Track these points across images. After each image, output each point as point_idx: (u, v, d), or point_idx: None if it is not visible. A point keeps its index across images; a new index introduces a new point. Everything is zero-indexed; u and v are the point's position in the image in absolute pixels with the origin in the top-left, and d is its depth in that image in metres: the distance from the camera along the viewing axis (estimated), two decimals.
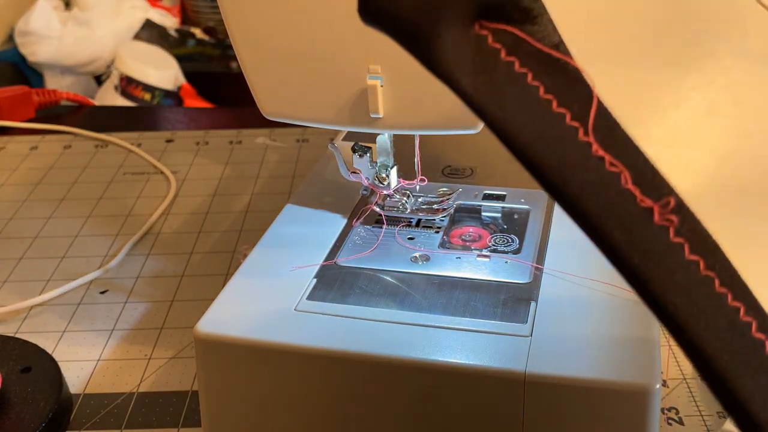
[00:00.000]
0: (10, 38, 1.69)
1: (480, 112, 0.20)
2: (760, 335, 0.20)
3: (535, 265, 0.43)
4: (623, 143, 0.20)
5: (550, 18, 0.21)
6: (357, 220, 0.48)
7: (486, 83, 0.20)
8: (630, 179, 0.20)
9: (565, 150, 0.20)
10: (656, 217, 0.20)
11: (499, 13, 0.20)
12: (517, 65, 0.20)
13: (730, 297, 0.20)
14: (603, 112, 0.20)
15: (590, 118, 0.20)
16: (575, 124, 0.20)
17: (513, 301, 0.40)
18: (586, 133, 0.20)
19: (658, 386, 0.34)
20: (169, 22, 1.79)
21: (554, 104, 0.20)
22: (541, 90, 0.20)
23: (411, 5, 0.20)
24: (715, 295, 0.20)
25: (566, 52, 0.20)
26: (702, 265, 0.20)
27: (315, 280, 0.43)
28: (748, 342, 0.20)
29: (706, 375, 0.19)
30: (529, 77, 0.20)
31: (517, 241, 0.46)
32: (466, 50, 0.20)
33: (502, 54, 0.20)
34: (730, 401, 0.19)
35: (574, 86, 0.20)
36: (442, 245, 0.46)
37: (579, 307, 0.39)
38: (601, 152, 0.20)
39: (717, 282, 0.20)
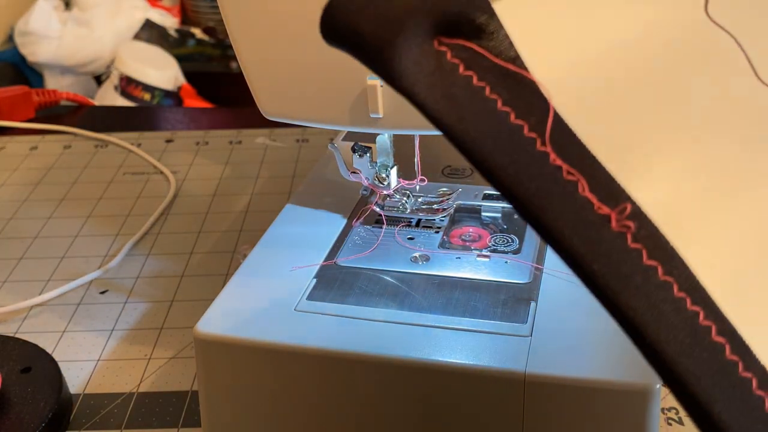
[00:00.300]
0: (10, 38, 1.70)
1: (440, 124, 0.21)
2: (719, 339, 0.20)
3: (535, 265, 0.43)
4: (579, 152, 0.21)
5: (506, 33, 0.21)
6: (357, 220, 0.48)
7: (445, 97, 0.21)
8: (587, 187, 0.20)
9: (524, 160, 0.20)
10: (614, 223, 0.20)
11: (456, 30, 0.21)
12: (475, 79, 0.21)
13: (689, 302, 0.20)
14: (559, 123, 0.21)
15: (547, 129, 0.20)
16: (533, 135, 0.20)
17: (513, 301, 0.40)
18: (543, 143, 0.20)
19: (658, 386, 0.34)
20: (169, 22, 1.79)
21: (512, 116, 0.21)
22: (499, 102, 0.21)
23: (370, 24, 0.20)
24: (674, 300, 0.20)
25: (523, 66, 0.21)
26: (660, 270, 0.20)
27: (315, 280, 0.43)
28: (708, 346, 0.20)
29: (667, 379, 0.20)
30: (487, 90, 0.21)
31: (517, 241, 0.46)
32: (425, 66, 0.21)
33: (461, 69, 0.21)
34: (691, 405, 0.19)
35: (531, 98, 0.21)
36: (442, 245, 0.46)
37: (579, 307, 0.39)
38: (558, 161, 0.20)
39: (676, 287, 0.20)
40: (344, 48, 0.21)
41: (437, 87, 0.21)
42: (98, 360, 0.50)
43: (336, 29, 0.21)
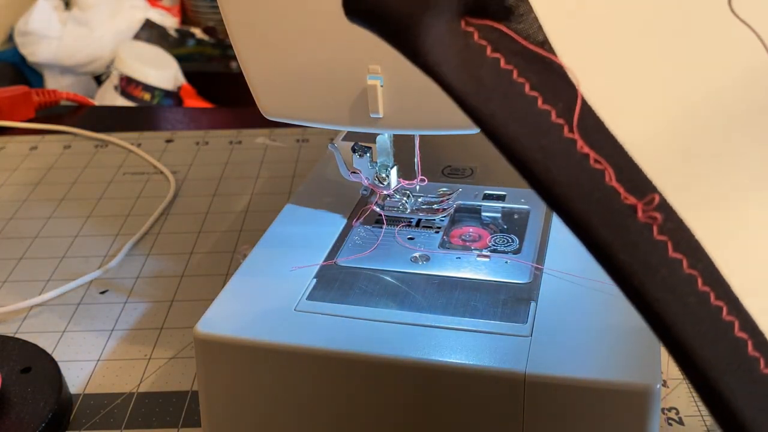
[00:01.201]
0: (10, 38, 1.70)
1: (466, 106, 0.20)
2: (742, 335, 0.20)
3: (535, 265, 0.43)
4: (607, 141, 0.20)
5: (536, 17, 0.21)
6: (357, 220, 0.48)
7: (472, 78, 0.20)
8: (614, 176, 0.20)
9: (550, 146, 0.20)
10: (640, 214, 0.20)
11: (484, 11, 0.21)
12: (503, 62, 0.20)
13: (713, 296, 0.20)
14: (587, 111, 0.20)
15: (575, 116, 0.20)
16: (560, 121, 0.20)
17: (513, 301, 0.40)
18: (570, 130, 0.20)
19: (658, 386, 0.34)
20: (169, 22, 1.79)
21: (540, 101, 0.20)
22: (527, 87, 0.20)
23: (396, 0, 0.20)
24: (698, 294, 0.20)
25: (551, 51, 0.21)
26: (685, 263, 0.20)
27: (315, 280, 0.43)
28: (731, 341, 0.20)
29: (689, 373, 0.20)
30: (515, 74, 0.20)
31: (517, 241, 0.46)
32: (452, 45, 0.20)
33: (488, 50, 0.21)
34: (712, 399, 0.19)
35: (559, 84, 0.21)
36: (442, 245, 0.46)
37: (579, 307, 0.39)
38: (585, 149, 0.20)
39: (700, 281, 0.20)
40: (367, 25, 0.20)
41: (464, 68, 0.20)
42: (98, 360, 0.50)
43: (359, 5, 0.20)
